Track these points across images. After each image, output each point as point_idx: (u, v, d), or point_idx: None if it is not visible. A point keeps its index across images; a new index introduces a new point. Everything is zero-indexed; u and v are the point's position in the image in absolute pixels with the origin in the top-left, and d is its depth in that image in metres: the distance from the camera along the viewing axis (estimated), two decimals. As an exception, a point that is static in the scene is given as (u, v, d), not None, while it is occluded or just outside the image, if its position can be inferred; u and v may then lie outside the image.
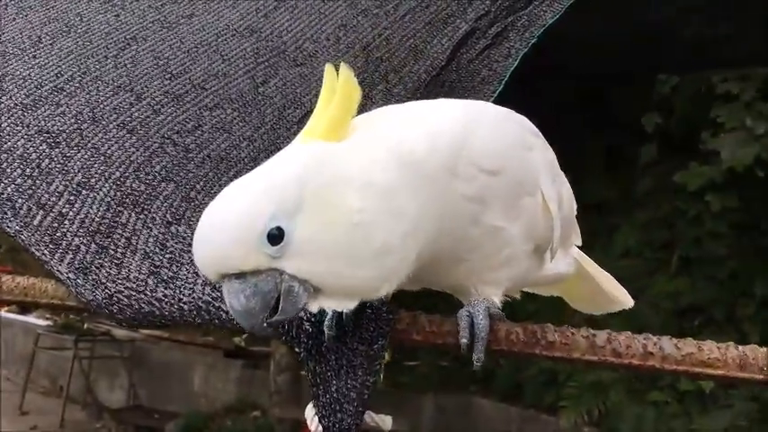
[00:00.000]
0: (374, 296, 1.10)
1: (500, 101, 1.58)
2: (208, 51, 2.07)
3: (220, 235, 1.06)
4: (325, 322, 1.19)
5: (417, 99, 2.04)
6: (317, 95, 1.96)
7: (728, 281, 6.73)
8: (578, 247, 1.60)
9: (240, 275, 1.06)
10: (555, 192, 1.31)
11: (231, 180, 1.57)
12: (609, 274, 1.69)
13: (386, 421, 1.21)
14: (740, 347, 1.11)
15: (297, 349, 1.16)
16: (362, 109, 1.98)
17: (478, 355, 1.15)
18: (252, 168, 1.61)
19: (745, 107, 6.36)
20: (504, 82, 2.11)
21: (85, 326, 8.79)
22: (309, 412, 1.16)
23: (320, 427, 1.16)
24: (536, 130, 1.31)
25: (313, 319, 1.19)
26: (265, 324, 1.07)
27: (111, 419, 8.08)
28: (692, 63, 5.75)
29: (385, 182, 1.09)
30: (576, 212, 1.48)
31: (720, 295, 6.70)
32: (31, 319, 9.42)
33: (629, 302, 1.71)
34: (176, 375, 8.41)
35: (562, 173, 1.38)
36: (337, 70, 1.18)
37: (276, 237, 1.04)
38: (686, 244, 6.85)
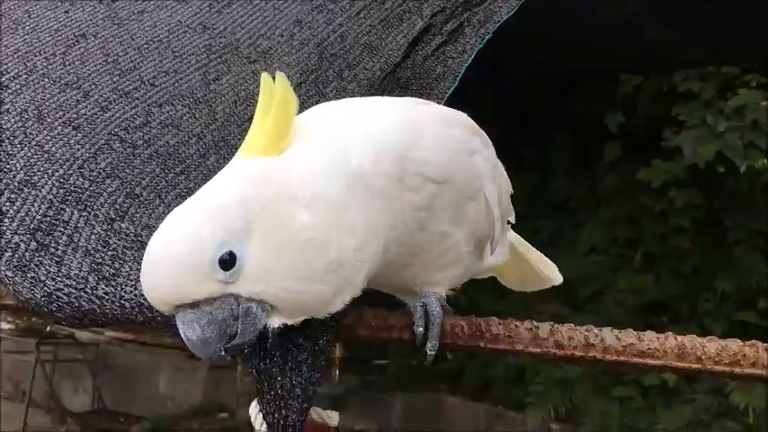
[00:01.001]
0: (332, 310, 1.10)
1: (467, 101, 1.57)
2: (159, 48, 2.04)
3: (170, 265, 1.04)
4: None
5: (372, 96, 2.04)
6: (270, 92, 1.96)
7: (692, 276, 6.86)
8: (512, 227, 1.63)
9: (193, 305, 1.04)
10: (496, 192, 1.32)
11: (179, 176, 1.55)
12: (539, 253, 1.74)
13: (332, 417, 1.20)
14: (678, 338, 1.13)
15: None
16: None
17: (433, 343, 1.15)
18: (200, 165, 1.60)
19: (705, 105, 6.49)
20: (458, 78, 2.12)
21: (48, 329, 8.62)
22: (253, 410, 1.15)
23: (264, 425, 1.15)
24: (475, 126, 1.31)
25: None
26: (223, 352, 1.06)
27: (76, 424, 7.94)
28: (652, 63, 5.87)
29: (333, 195, 1.08)
30: (511, 192, 1.50)
31: (684, 291, 6.82)
32: (-9, 322, 9.22)
33: (558, 279, 1.75)
34: (141, 378, 8.30)
35: (498, 161, 1.39)
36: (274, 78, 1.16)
37: (228, 262, 1.02)
38: (650, 240, 6.96)
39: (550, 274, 1.71)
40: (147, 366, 8.37)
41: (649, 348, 1.12)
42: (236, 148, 1.70)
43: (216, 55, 2.02)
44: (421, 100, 1.36)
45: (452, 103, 1.61)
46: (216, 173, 1.58)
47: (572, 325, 1.20)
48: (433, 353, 1.15)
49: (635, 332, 1.16)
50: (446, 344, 1.15)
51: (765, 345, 1.12)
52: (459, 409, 7.63)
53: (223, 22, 2.14)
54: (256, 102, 1.95)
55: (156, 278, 1.05)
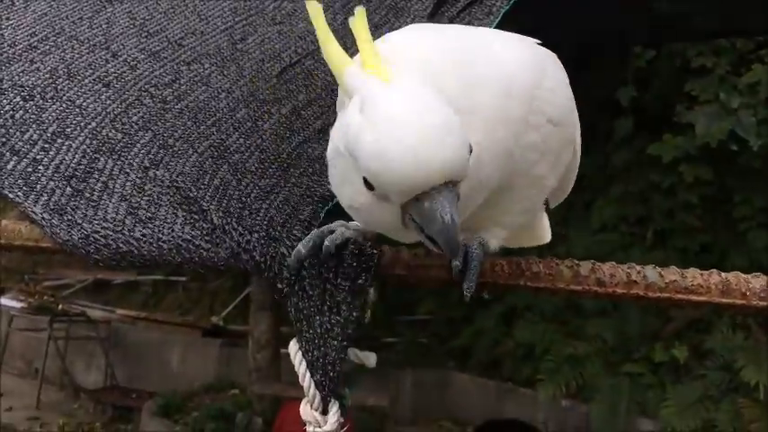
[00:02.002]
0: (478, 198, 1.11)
1: None
2: (185, 11, 2.05)
3: (451, 138, 1.00)
4: (325, 242, 1.19)
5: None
6: (295, 51, 1.97)
7: (701, 253, 6.86)
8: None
9: (446, 186, 1.00)
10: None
11: (210, 129, 1.57)
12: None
13: (369, 358, 1.22)
14: (723, 274, 1.14)
15: (279, 285, 1.16)
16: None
17: (470, 284, 1.13)
18: (230, 118, 1.62)
19: (720, 81, 6.44)
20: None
21: (60, 307, 8.70)
22: (293, 347, 1.17)
23: (304, 362, 1.17)
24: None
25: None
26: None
27: (89, 400, 8.03)
28: (665, 35, 5.81)
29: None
30: None
31: (694, 267, 6.81)
32: (4, 300, 9.30)
33: (547, 237, 1.72)
34: (154, 355, 8.38)
35: None
36: None
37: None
38: (660, 217, 6.95)
39: (544, 232, 1.70)
40: (159, 343, 8.46)
41: (693, 284, 1.14)
42: (266, 103, 1.73)
43: (241, 17, 2.03)
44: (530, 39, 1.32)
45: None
46: (246, 126, 1.60)
47: (613, 263, 1.21)
48: (469, 293, 1.13)
49: (678, 269, 1.17)
50: (485, 282, 1.17)
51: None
52: (468, 385, 7.69)
53: (248, -16, 2.15)
54: (282, 59, 1.98)
55: (437, 148, 0.99)
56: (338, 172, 1.10)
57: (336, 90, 1.83)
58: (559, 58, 1.30)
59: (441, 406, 7.73)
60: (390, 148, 0.98)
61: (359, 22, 1.15)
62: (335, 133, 1.10)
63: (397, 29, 2.10)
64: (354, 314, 1.15)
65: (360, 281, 1.16)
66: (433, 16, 2.10)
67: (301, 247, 1.18)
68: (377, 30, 2.09)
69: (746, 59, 6.62)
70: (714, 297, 1.11)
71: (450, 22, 2.17)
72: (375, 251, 1.18)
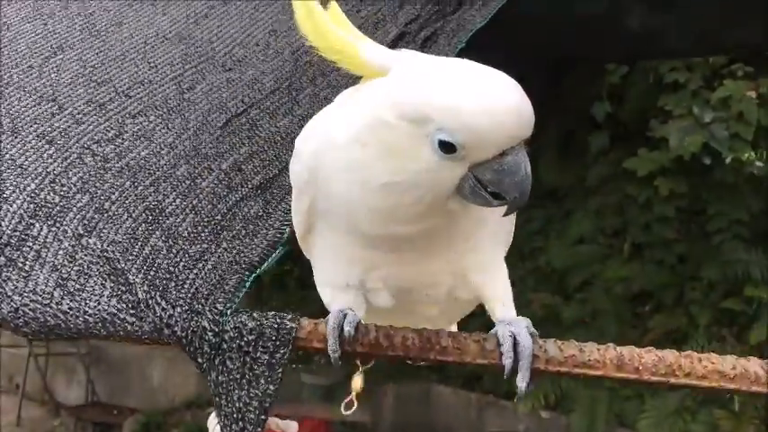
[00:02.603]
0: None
1: None
2: (135, 58, 2.08)
3: (527, 104, 1.10)
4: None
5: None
6: (242, 100, 2.00)
7: (678, 265, 6.93)
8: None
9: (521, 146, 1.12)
10: None
11: (148, 189, 1.59)
12: None
13: (290, 427, 1.25)
14: (618, 349, 1.18)
15: (199, 360, 1.19)
16: (288, 113, 2.02)
17: (525, 378, 1.20)
18: (170, 176, 1.64)
19: (692, 96, 6.52)
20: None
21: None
22: (212, 422, 1.20)
23: (223, 436, 1.20)
24: None
25: (216, 329, 1.22)
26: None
27: (69, 416, 8.01)
28: (638, 53, 5.88)
29: None
30: None
31: (670, 279, 6.89)
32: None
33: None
34: (135, 371, 8.36)
35: None
36: None
37: None
38: (637, 229, 7.02)
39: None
40: (140, 359, 8.43)
41: (590, 359, 1.17)
42: (207, 158, 1.75)
43: (191, 64, 2.06)
44: None
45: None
46: (184, 185, 1.63)
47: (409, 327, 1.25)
48: (525, 389, 1.19)
49: (577, 343, 1.21)
50: (397, 356, 1.20)
51: (699, 355, 1.17)
52: (450, 398, 7.71)
53: (200, 32, 2.17)
54: (228, 109, 2.01)
55: (527, 104, 1.10)
56: (374, 148, 1.12)
57: (279, 142, 1.87)
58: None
59: (423, 420, 7.76)
60: (499, 103, 1.07)
61: (337, 11, 1.21)
62: (368, 108, 1.13)
63: (343, 75, 2.16)
64: (272, 387, 1.18)
65: (278, 354, 1.19)
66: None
67: (332, 337, 1.21)
68: (324, 77, 2.13)
69: (719, 74, 6.70)
70: (609, 371, 1.15)
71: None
72: (294, 324, 1.21)
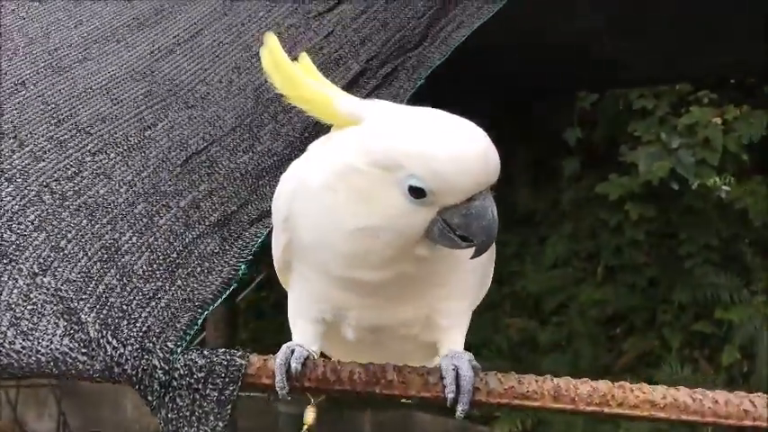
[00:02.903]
0: None
1: None
2: (98, 95, 2.10)
3: (493, 152, 1.15)
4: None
5: (305, 138, 2.12)
6: (203, 138, 2.04)
7: (650, 288, 7.03)
8: None
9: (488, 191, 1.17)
10: None
11: (105, 227, 1.62)
12: None
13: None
14: (555, 380, 1.22)
15: (149, 398, 1.21)
16: (249, 150, 2.06)
17: (464, 407, 1.25)
18: (127, 214, 1.67)
19: (660, 122, 6.69)
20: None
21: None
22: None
23: (173, 473, 1.21)
24: None
25: (166, 367, 1.24)
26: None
27: (42, 449, 7.85)
28: (607, 81, 6.03)
29: None
30: None
31: (642, 303, 6.99)
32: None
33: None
34: (107, 401, 8.22)
35: None
36: None
37: None
38: (609, 253, 7.12)
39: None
40: (113, 390, 8.30)
41: (528, 391, 1.21)
42: (166, 195, 1.78)
43: (154, 101, 2.09)
44: None
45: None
46: (141, 222, 1.66)
47: (356, 362, 1.29)
48: (464, 413, 1.25)
49: (516, 375, 1.25)
50: (344, 390, 1.23)
51: (631, 386, 1.22)
52: (428, 425, 7.69)
53: (164, 68, 2.21)
54: (189, 146, 2.04)
55: (494, 153, 1.15)
56: (345, 194, 1.17)
57: (238, 178, 1.90)
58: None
59: (401, 446, 7.72)
60: (467, 151, 1.13)
61: (308, 64, 1.28)
62: (340, 155, 1.18)
63: (305, 111, 2.20)
64: (221, 424, 1.20)
65: (227, 391, 1.21)
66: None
67: (279, 373, 1.25)
68: (286, 113, 2.18)
69: (685, 101, 6.89)
70: (547, 402, 1.19)
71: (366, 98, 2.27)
72: (243, 361, 1.23)
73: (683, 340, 6.74)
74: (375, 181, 1.14)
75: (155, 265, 1.47)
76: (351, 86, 2.28)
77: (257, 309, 8.28)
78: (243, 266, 1.51)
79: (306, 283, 1.37)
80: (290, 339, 1.35)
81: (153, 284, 1.42)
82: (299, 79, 1.23)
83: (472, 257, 1.19)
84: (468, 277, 1.34)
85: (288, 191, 1.32)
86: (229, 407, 1.21)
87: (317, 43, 2.34)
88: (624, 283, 7.01)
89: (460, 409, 1.24)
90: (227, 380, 1.22)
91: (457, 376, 1.24)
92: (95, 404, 8.27)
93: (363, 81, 2.32)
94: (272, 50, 1.24)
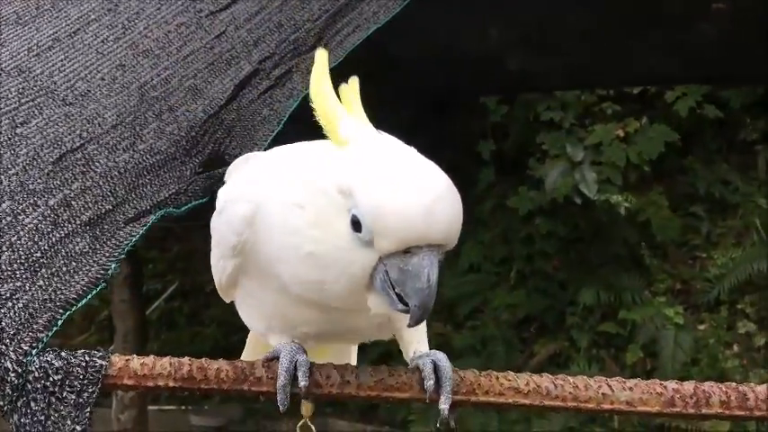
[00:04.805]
0: None
1: None
2: (-33, 93, 1.99)
3: (454, 207, 1.10)
4: None
5: (192, 137, 2.08)
6: (80, 135, 1.96)
7: (559, 291, 7.28)
8: None
9: (434, 249, 1.09)
10: None
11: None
12: None
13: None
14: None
15: (1, 403, 1.15)
16: (129, 148, 1.99)
17: (447, 399, 1.24)
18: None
19: (567, 134, 6.96)
20: (283, 122, 2.19)
21: None
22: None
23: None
24: None
25: (19, 370, 1.18)
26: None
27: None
28: (516, 87, 6.20)
29: None
30: None
31: (552, 305, 7.23)
32: None
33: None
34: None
35: None
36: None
37: None
38: (521, 260, 7.34)
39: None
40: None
41: (397, 383, 1.23)
42: (34, 193, 1.70)
43: (28, 98, 1.99)
44: None
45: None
46: (6, 220, 1.57)
47: (333, 363, 1.29)
48: (447, 410, 1.23)
49: (387, 368, 1.26)
50: (211, 389, 1.20)
51: (498, 374, 1.25)
52: (345, 430, 7.66)
53: (41, 65, 2.11)
54: (63, 144, 1.95)
55: (450, 210, 1.09)
56: (311, 214, 1.14)
57: (116, 177, 1.84)
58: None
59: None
60: (410, 200, 1.07)
61: (353, 88, 1.27)
62: (316, 174, 1.16)
63: (193, 110, 2.16)
64: (79, 428, 1.15)
65: (86, 393, 1.16)
66: (233, 99, 2.16)
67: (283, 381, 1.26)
68: (172, 112, 2.12)
69: (590, 111, 7.20)
70: (415, 394, 1.21)
71: (250, 104, 2.23)
72: (103, 362, 1.19)
73: (590, 340, 7.01)
74: (333, 205, 1.13)
75: (15, 265, 1.40)
76: (243, 86, 2.25)
77: (170, 319, 8.04)
78: (114, 266, 1.45)
79: (258, 300, 1.37)
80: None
81: (11, 285, 1.34)
82: (324, 94, 1.23)
83: (408, 326, 1.14)
84: None
85: (242, 216, 1.26)
86: (88, 410, 1.16)
87: (209, 42, 2.30)
88: (536, 287, 7.23)
89: (443, 399, 1.23)
90: (85, 382, 1.16)
91: (436, 368, 1.25)
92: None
93: (256, 81, 2.29)
94: (320, 64, 1.27)
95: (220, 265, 1.37)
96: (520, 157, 7.42)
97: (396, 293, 1.11)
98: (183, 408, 7.04)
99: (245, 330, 1.59)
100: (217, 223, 1.36)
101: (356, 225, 1.10)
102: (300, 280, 1.20)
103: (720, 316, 6.88)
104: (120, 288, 6.09)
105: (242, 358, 1.61)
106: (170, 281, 7.51)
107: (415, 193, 1.08)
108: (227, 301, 1.49)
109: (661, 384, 1.24)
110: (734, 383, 1.23)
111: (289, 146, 1.38)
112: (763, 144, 7.14)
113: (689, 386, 1.23)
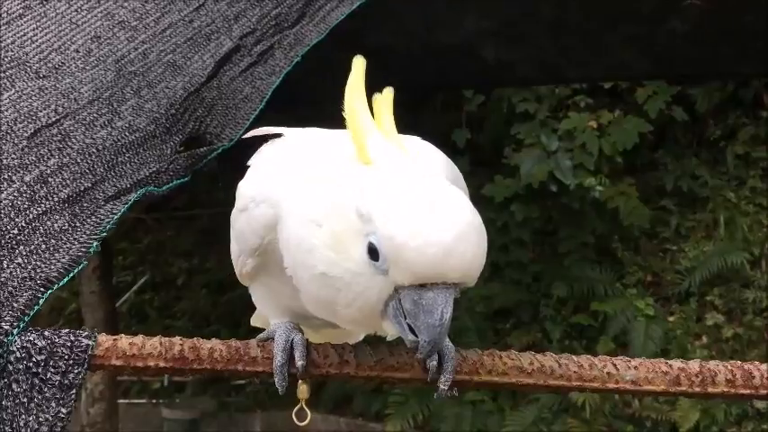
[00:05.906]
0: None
1: (323, 120, 1.55)
2: (-67, 66, 1.88)
3: (477, 246, 1.06)
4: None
5: (172, 115, 2.00)
6: (55, 110, 1.87)
7: (533, 284, 7.33)
8: None
9: (450, 287, 1.06)
10: None
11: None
12: None
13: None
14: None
15: (-23, 385, 1.07)
16: (107, 125, 1.91)
17: (447, 379, 1.20)
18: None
19: (541, 125, 6.99)
20: (265, 100, 2.12)
21: None
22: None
23: (4, 468, 1.08)
24: None
25: (0, 351, 1.11)
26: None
27: None
28: (491, 81, 6.21)
29: None
30: None
31: (526, 297, 7.27)
32: None
33: None
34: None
35: None
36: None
37: None
38: (496, 251, 7.36)
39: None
40: None
41: (397, 362, 1.20)
42: (9, 169, 1.61)
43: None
44: None
45: (308, 122, 1.58)
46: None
47: (330, 343, 1.24)
48: (446, 391, 1.18)
49: (388, 348, 1.23)
50: (204, 369, 1.14)
51: (501, 353, 1.22)
52: (320, 423, 7.60)
53: (11, 34, 2.00)
54: (39, 119, 1.86)
55: (473, 249, 1.06)
56: (327, 234, 1.10)
57: (94, 154, 1.75)
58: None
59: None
60: (432, 232, 1.03)
61: (387, 100, 1.23)
62: (335, 192, 1.11)
63: (172, 87, 2.08)
64: (64, 410, 1.08)
65: (71, 374, 1.10)
66: (214, 76, 2.09)
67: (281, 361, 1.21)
68: (151, 88, 2.04)
69: (564, 104, 7.25)
70: (416, 374, 1.21)
71: (232, 81, 2.16)
72: (89, 342, 1.12)
73: (563, 332, 7.07)
74: (351, 228, 1.09)
75: (-9, 242, 1.32)
76: (224, 63, 2.18)
77: (140, 312, 7.89)
78: (95, 244, 1.38)
79: (269, 290, 1.36)
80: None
81: (-12, 263, 1.27)
82: (356, 109, 1.19)
83: (416, 357, 1.10)
84: None
85: (265, 223, 1.25)
86: (74, 392, 1.09)
87: (188, 15, 2.22)
88: (510, 279, 7.26)
89: (443, 379, 1.19)
90: (71, 362, 1.10)
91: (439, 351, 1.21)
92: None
93: (237, 58, 2.21)
94: (356, 74, 1.23)
95: (240, 261, 1.35)
96: (495, 147, 7.44)
97: (407, 324, 1.09)
98: (154, 401, 6.91)
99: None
100: (238, 220, 1.33)
101: (373, 253, 1.07)
102: (313, 297, 1.17)
103: (690, 308, 6.99)
104: (89, 279, 5.94)
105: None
106: (141, 272, 7.35)
107: (436, 229, 1.04)
108: (244, 284, 1.47)
109: (666, 363, 1.22)
110: (739, 362, 1.22)
111: (318, 134, 1.34)
112: (729, 140, 7.29)
113: (694, 365, 1.21)
